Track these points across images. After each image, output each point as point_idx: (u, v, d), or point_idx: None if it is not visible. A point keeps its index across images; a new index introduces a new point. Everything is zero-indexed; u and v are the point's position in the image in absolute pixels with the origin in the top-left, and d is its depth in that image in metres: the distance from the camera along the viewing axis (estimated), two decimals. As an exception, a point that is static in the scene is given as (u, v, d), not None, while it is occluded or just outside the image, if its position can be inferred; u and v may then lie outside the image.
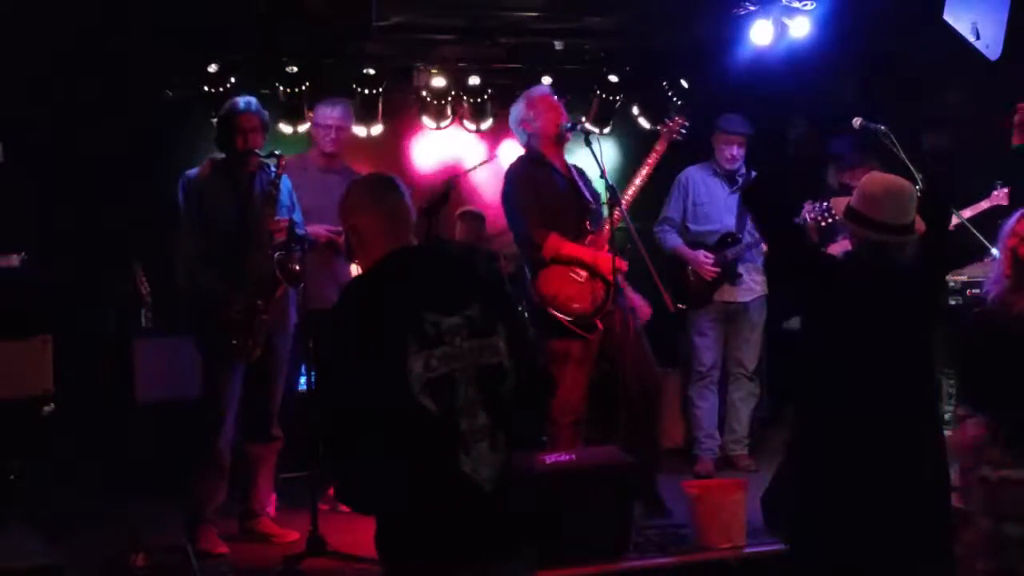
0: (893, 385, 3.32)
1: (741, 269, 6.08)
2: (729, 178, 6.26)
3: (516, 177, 5.24)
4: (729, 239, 6.14)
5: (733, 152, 6.20)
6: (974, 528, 3.58)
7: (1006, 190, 5.69)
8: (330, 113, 5.73)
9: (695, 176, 6.30)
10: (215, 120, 4.98)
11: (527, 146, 5.40)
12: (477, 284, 2.65)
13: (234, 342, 4.69)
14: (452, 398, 2.52)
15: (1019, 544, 3.54)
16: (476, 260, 2.75)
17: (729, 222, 6.20)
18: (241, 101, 4.89)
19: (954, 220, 5.66)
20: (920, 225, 3.37)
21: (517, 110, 5.41)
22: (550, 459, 4.44)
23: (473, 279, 2.66)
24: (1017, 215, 3.73)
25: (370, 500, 2.58)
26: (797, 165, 3.63)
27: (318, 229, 5.31)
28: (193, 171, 4.90)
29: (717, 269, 6.03)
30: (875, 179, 3.46)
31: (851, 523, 3.32)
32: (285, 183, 4.94)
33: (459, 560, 2.52)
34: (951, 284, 6.06)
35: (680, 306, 5.20)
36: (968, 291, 6.01)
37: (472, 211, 6.99)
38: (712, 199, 6.23)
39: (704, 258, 6.04)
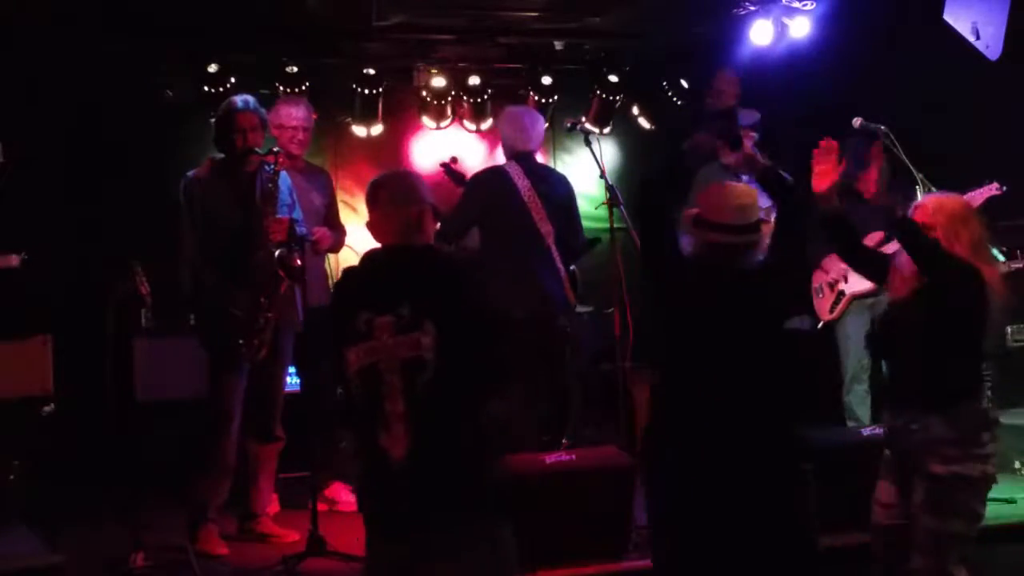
0: (736, 391, 3.36)
1: None
2: (738, 176, 6.17)
3: None
4: None
5: (723, 146, 6.12)
6: (916, 526, 3.56)
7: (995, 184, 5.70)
8: (295, 113, 5.51)
9: (706, 176, 6.16)
10: (213, 120, 4.95)
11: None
12: (411, 285, 2.95)
13: (240, 342, 4.68)
14: (378, 384, 2.89)
15: (961, 541, 3.54)
16: (418, 262, 3.04)
17: None
18: (239, 100, 4.87)
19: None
20: (766, 229, 3.45)
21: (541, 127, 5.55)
22: (550, 459, 4.45)
23: (408, 280, 2.96)
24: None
25: None
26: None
27: (323, 231, 5.32)
28: (193, 172, 4.88)
29: None
30: (717, 187, 3.59)
31: (690, 525, 3.38)
32: (285, 180, 4.93)
33: (379, 522, 2.98)
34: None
35: None
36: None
37: None
38: None
39: None
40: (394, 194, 3.07)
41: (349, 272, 3.12)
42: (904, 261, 3.70)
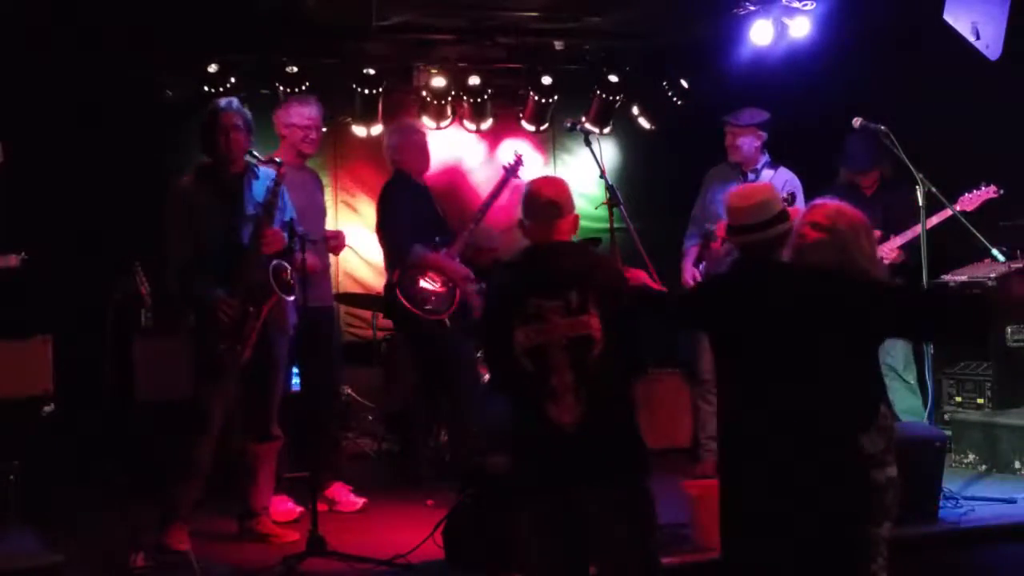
0: (779, 391, 3.28)
1: None
2: (744, 174, 6.15)
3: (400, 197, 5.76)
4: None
5: (730, 142, 6.07)
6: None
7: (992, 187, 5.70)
8: (308, 112, 5.49)
9: (714, 174, 6.13)
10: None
11: (400, 169, 5.78)
12: (576, 275, 3.36)
13: (222, 347, 4.64)
14: (546, 361, 3.29)
15: (885, 545, 3.45)
16: (581, 256, 3.47)
17: None
18: (222, 101, 4.82)
19: (946, 214, 5.66)
20: (789, 222, 3.41)
21: (393, 141, 5.84)
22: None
23: (574, 270, 3.38)
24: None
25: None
26: None
27: (341, 233, 5.60)
28: (180, 178, 4.83)
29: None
30: (733, 193, 3.56)
31: (747, 539, 3.31)
32: (283, 190, 4.88)
33: (543, 485, 3.33)
34: (951, 284, 6.07)
35: None
36: (969, 291, 6.00)
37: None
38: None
39: (690, 278, 5.88)
40: (562, 202, 3.47)
41: (509, 265, 3.60)
42: None
